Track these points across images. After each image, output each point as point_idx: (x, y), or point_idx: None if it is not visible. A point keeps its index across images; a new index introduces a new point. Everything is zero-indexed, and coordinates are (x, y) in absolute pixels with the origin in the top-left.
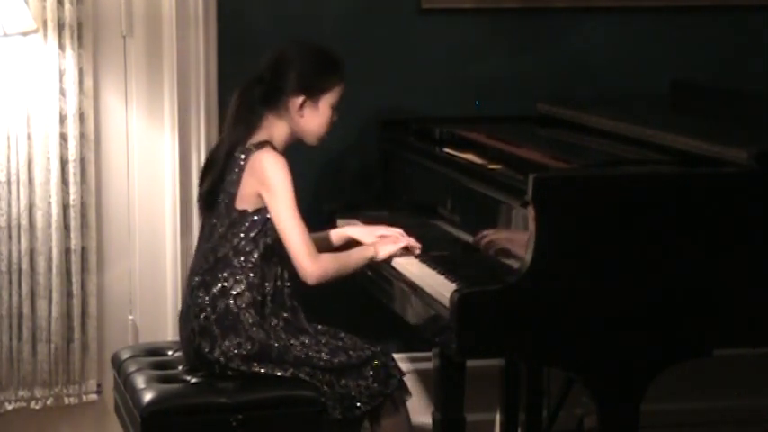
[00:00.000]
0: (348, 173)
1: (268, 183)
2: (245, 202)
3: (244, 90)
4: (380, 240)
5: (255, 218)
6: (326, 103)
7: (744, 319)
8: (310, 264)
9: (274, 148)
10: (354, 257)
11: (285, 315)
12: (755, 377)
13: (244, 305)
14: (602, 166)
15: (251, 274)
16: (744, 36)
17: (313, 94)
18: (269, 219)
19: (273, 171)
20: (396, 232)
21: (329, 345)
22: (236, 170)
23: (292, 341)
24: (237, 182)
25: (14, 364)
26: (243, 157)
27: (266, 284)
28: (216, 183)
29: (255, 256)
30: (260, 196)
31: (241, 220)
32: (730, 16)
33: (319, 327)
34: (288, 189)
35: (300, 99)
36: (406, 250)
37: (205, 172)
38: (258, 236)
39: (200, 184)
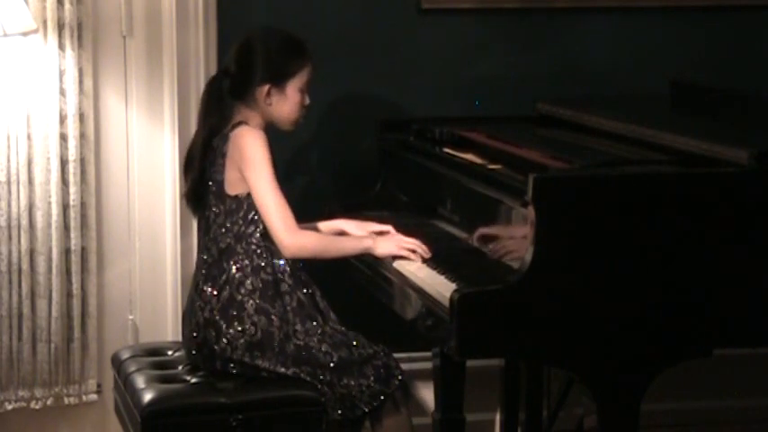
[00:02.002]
0: (348, 173)
1: (245, 156)
2: (235, 186)
3: (211, 83)
4: (381, 236)
5: (250, 200)
6: (294, 87)
7: (744, 319)
8: (287, 236)
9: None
10: (347, 244)
11: (300, 296)
12: (755, 377)
13: (247, 291)
14: (602, 166)
15: (255, 257)
16: (744, 36)
17: (278, 81)
18: None
19: (249, 144)
20: (411, 241)
21: (334, 337)
22: (220, 158)
23: (297, 327)
24: (222, 168)
25: (14, 364)
26: (223, 142)
27: (276, 261)
28: (197, 180)
29: (257, 236)
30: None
31: (237, 206)
32: (730, 16)
33: (332, 314)
34: (265, 161)
35: (266, 88)
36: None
37: (186, 168)
38: (257, 215)
39: (185, 181)
